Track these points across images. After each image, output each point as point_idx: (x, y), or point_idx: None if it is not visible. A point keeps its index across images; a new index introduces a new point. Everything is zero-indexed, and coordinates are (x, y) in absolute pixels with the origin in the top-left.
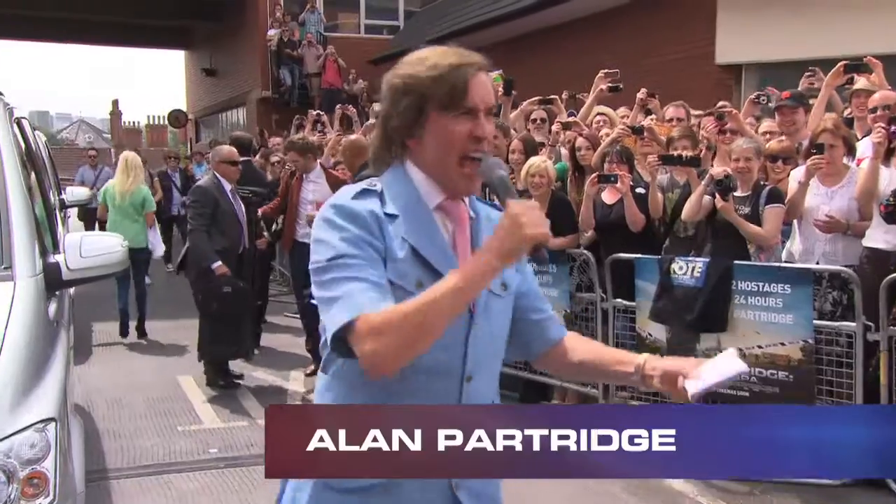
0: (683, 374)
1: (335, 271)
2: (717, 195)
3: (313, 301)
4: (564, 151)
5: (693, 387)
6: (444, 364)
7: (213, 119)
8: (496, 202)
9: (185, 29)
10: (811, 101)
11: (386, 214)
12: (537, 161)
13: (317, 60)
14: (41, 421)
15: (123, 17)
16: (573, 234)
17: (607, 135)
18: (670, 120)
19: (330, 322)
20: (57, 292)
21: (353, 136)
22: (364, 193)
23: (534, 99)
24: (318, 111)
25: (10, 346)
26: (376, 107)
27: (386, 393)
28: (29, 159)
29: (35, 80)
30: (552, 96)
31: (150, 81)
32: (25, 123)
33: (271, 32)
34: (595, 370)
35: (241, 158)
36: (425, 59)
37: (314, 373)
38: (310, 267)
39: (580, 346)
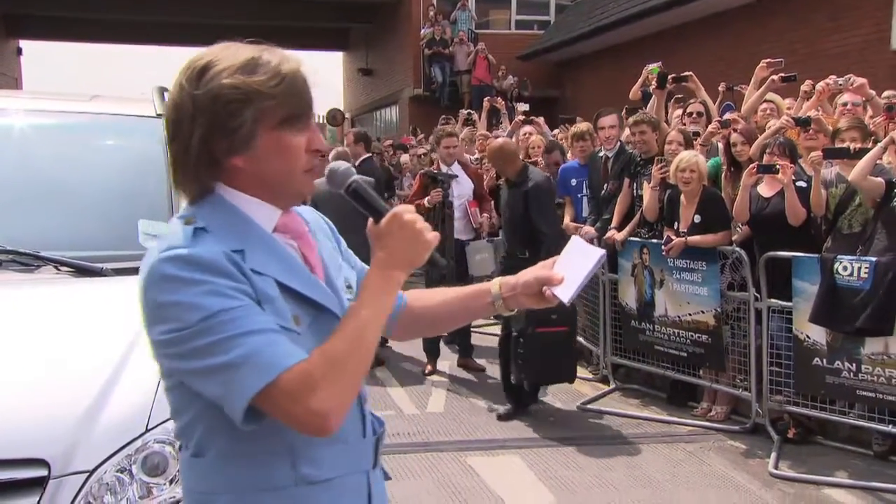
0: (546, 284)
1: (214, 333)
2: None
3: None
4: (721, 146)
5: (565, 294)
6: None
7: (368, 117)
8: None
9: (343, 31)
10: None
11: (234, 251)
12: (687, 156)
13: (467, 57)
14: None
15: (287, 20)
16: (725, 231)
17: (774, 123)
18: (845, 104)
19: (236, 391)
20: None
21: (499, 141)
22: (197, 236)
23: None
24: (468, 111)
25: None
26: (520, 107)
27: (289, 444)
28: None
29: None
30: (686, 73)
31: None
32: None
33: (424, 31)
34: (454, 315)
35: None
36: (257, 65)
37: (432, 372)
38: (160, 337)
39: (428, 301)
